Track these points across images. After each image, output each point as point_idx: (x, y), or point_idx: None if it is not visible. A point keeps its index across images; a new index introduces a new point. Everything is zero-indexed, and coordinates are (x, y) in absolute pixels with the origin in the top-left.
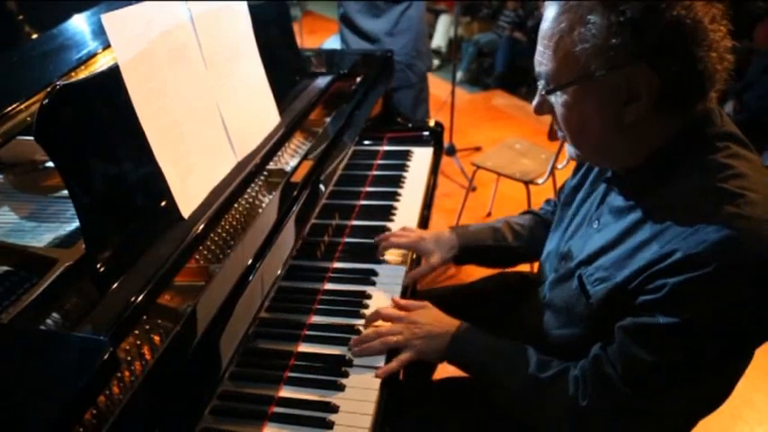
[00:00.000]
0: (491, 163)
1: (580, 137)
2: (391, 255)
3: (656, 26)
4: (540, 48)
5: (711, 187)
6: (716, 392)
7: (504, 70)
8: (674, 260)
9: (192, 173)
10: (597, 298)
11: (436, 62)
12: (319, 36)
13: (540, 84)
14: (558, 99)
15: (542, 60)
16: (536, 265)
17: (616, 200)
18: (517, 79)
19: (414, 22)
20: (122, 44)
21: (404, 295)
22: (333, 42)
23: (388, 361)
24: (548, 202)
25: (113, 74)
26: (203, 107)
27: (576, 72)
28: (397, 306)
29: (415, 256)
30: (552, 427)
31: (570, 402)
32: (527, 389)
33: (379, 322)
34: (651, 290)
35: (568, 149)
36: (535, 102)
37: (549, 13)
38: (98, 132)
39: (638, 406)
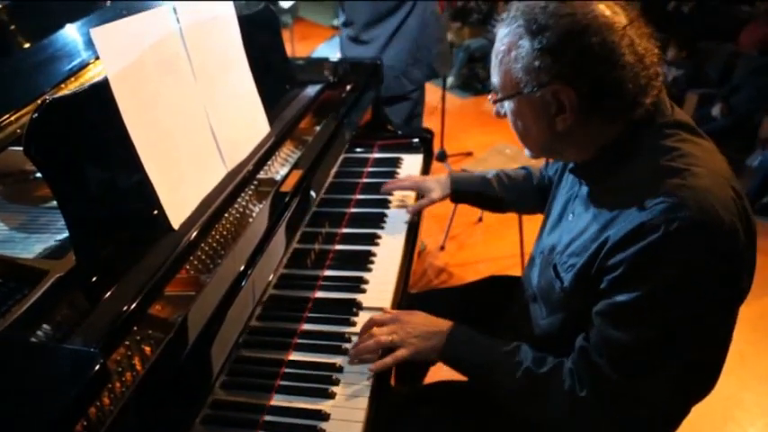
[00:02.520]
0: (482, 168)
1: (526, 140)
2: (398, 200)
3: (570, 53)
4: (492, 62)
5: (659, 166)
6: (703, 370)
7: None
8: (624, 232)
9: (181, 183)
10: (569, 282)
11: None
12: (311, 43)
13: (492, 93)
14: (507, 107)
15: (493, 73)
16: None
17: (583, 189)
18: None
19: (412, 30)
20: (111, 57)
21: (394, 301)
22: (324, 49)
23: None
24: (546, 166)
25: (102, 87)
26: (192, 118)
27: (513, 87)
28: (388, 313)
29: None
30: (554, 421)
31: (569, 394)
32: (525, 385)
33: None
34: (611, 267)
35: (524, 150)
36: (494, 109)
37: (500, 33)
38: (88, 145)
39: (631, 388)
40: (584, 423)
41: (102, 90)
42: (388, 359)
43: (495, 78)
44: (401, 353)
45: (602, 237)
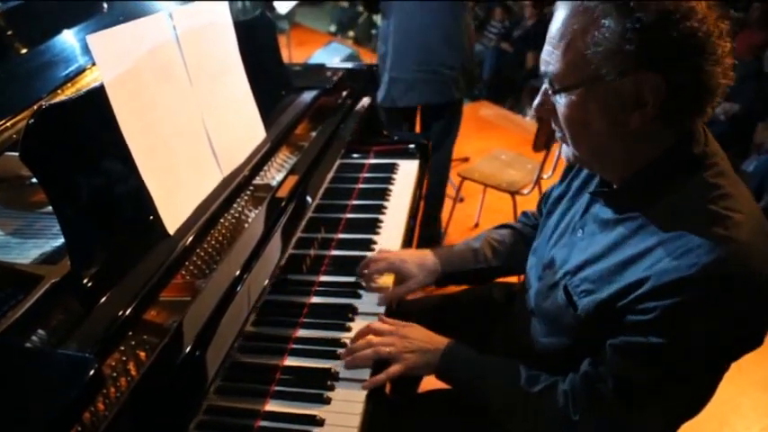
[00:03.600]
0: (478, 174)
1: (580, 138)
2: (374, 282)
3: (668, 35)
4: (548, 47)
5: (701, 208)
6: (700, 399)
7: (491, 81)
8: (664, 282)
9: (177, 189)
10: (584, 310)
11: None
12: (308, 48)
13: (545, 83)
14: (562, 99)
15: (550, 60)
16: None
17: (602, 211)
18: (504, 90)
19: (460, 38)
20: (108, 63)
21: (387, 309)
22: (321, 55)
23: (374, 374)
24: (525, 214)
25: (98, 93)
26: (188, 124)
27: (585, 74)
28: (386, 323)
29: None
30: None
31: (562, 416)
32: (517, 404)
33: (370, 336)
34: (641, 310)
35: (564, 150)
36: (537, 101)
37: (561, 13)
38: (83, 151)
39: (629, 420)
40: None
41: (98, 96)
42: (382, 376)
43: (553, 66)
44: (395, 369)
45: (627, 274)
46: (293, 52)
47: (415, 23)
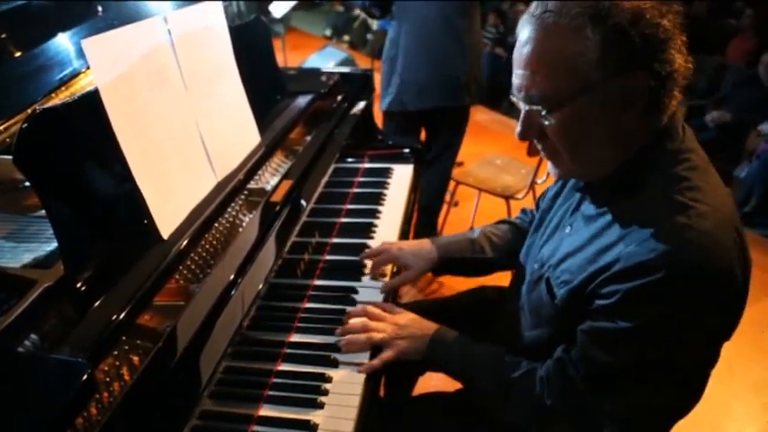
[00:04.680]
0: (472, 178)
1: (578, 149)
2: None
3: (643, 34)
4: (522, 72)
5: (667, 198)
6: (682, 393)
7: (486, 85)
8: (624, 266)
9: (171, 193)
10: (561, 299)
11: None
12: (303, 52)
13: (527, 107)
14: (555, 117)
15: (530, 84)
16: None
17: (588, 208)
18: (498, 95)
19: (472, 46)
20: (102, 68)
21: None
22: (316, 59)
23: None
24: (524, 211)
25: (93, 97)
26: (183, 128)
27: (575, 87)
28: (381, 308)
29: (395, 268)
30: (522, 425)
31: (536, 401)
32: (498, 388)
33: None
34: (605, 294)
35: (550, 167)
36: (520, 128)
37: (529, 36)
38: (77, 155)
39: (599, 405)
40: (543, 430)
41: (92, 100)
42: (376, 362)
43: (537, 89)
44: (387, 354)
45: (599, 261)
46: (288, 56)
47: (428, 26)
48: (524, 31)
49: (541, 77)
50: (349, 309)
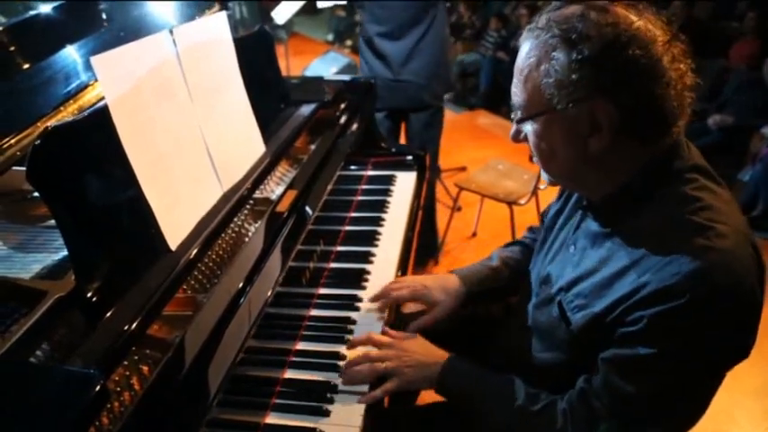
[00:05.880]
0: (475, 184)
1: (550, 164)
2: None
3: (612, 64)
4: (514, 79)
5: (682, 219)
6: (694, 412)
7: (487, 90)
8: (648, 292)
9: (178, 205)
10: (577, 325)
11: None
12: (305, 58)
13: (514, 113)
14: (529, 128)
15: (516, 91)
16: None
17: (591, 225)
18: (500, 99)
19: (431, 46)
20: (111, 84)
21: (387, 320)
22: (319, 65)
23: (373, 388)
24: (530, 229)
25: (102, 113)
26: (189, 139)
27: (542, 104)
28: (387, 334)
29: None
30: None
31: None
32: (517, 421)
33: (369, 348)
34: (629, 322)
35: (542, 175)
36: (512, 131)
37: (523, 47)
38: (88, 170)
39: None
40: None
41: (101, 116)
42: (378, 392)
43: (518, 97)
44: (391, 385)
45: (616, 287)
46: (291, 61)
47: (385, 27)
48: (522, 41)
49: (519, 88)
50: (352, 319)
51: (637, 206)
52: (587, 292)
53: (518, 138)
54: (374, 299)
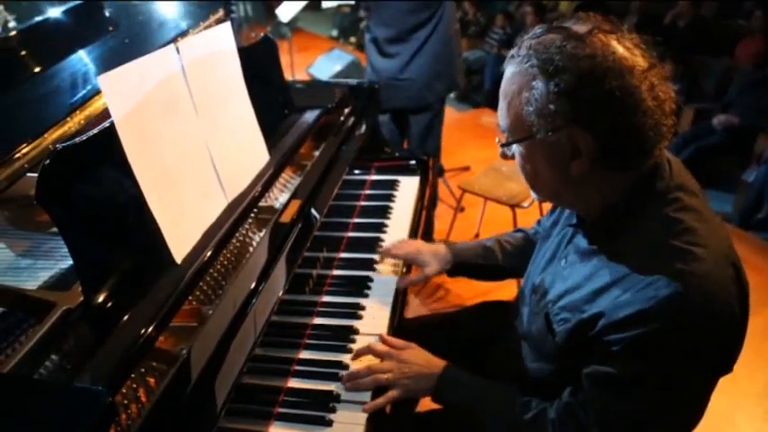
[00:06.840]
0: (478, 186)
1: (536, 184)
2: (385, 266)
3: (588, 97)
4: (500, 103)
5: (662, 243)
6: (685, 422)
7: (492, 87)
8: (626, 314)
9: (183, 218)
10: (561, 338)
11: None
12: (309, 54)
13: (500, 135)
14: (515, 150)
15: (501, 115)
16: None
17: (581, 241)
18: None
19: (435, 44)
20: (117, 101)
21: (393, 311)
22: (323, 62)
23: (374, 396)
24: (539, 222)
25: (108, 131)
26: (194, 152)
27: (524, 130)
28: (386, 343)
29: (404, 269)
30: None
31: None
32: (510, 430)
33: (370, 357)
34: (608, 342)
35: (531, 192)
36: (499, 150)
37: (507, 72)
38: (95, 188)
39: None
40: None
41: (108, 134)
42: (381, 400)
43: (503, 120)
44: (393, 394)
45: (596, 303)
46: (295, 58)
47: (388, 27)
48: (507, 66)
49: (504, 112)
50: (355, 328)
51: (620, 226)
52: (572, 307)
53: (506, 157)
54: (380, 255)
